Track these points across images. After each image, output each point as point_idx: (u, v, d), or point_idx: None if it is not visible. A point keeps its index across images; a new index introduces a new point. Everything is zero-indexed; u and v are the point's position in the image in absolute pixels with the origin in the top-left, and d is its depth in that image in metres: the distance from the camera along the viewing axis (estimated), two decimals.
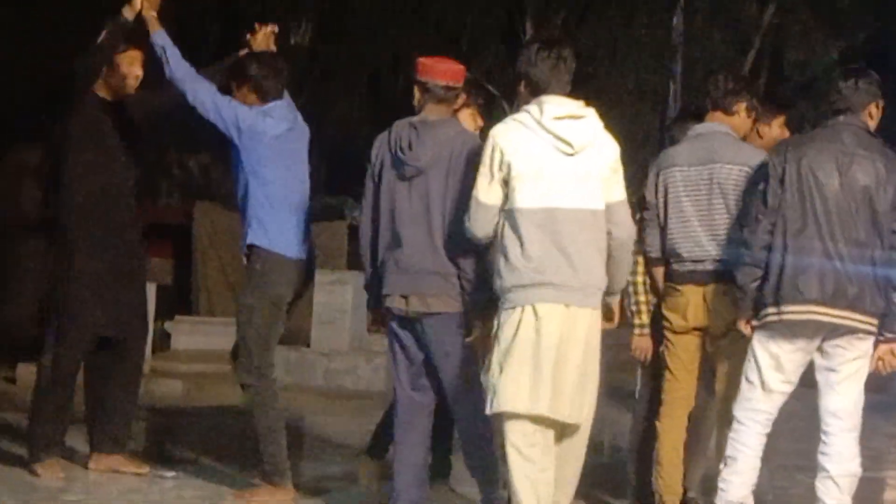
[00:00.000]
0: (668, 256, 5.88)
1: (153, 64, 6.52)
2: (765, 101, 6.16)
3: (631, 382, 8.31)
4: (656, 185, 5.89)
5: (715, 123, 5.88)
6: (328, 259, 13.31)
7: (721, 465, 5.54)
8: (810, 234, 5.36)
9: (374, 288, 5.64)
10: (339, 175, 16.55)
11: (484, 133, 5.58)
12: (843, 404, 5.43)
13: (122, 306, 6.65)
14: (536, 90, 5.23)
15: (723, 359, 5.78)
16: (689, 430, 5.88)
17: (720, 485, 5.50)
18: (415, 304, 5.47)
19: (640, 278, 6.00)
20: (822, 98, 5.65)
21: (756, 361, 5.47)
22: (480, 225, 5.22)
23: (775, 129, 6.10)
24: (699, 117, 6.03)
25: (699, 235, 5.78)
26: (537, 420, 5.13)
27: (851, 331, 5.37)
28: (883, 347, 5.42)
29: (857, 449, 5.43)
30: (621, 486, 6.42)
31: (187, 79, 6.26)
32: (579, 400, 5.16)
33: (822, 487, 5.42)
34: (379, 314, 5.71)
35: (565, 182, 5.15)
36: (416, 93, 5.58)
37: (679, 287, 5.83)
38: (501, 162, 5.16)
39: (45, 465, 6.58)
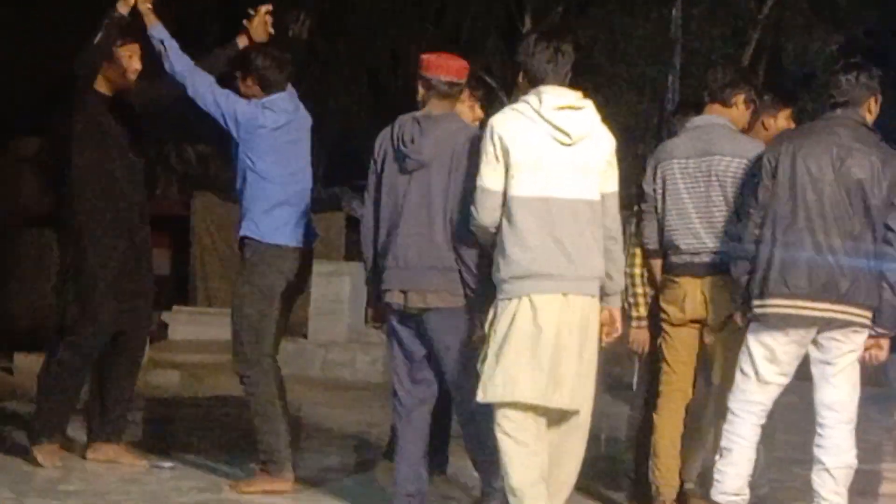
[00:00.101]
0: (665, 248, 5.89)
1: (151, 56, 6.53)
2: (772, 94, 6.16)
3: (628, 375, 8.33)
4: (654, 178, 5.89)
5: (713, 116, 5.88)
6: (326, 250, 13.31)
7: (716, 457, 5.55)
8: (801, 227, 5.37)
9: (375, 283, 5.64)
10: (338, 167, 16.58)
11: (483, 125, 5.58)
12: (838, 397, 5.44)
13: (131, 300, 6.69)
14: (534, 81, 5.27)
15: (720, 351, 5.78)
16: (686, 422, 5.89)
17: (716, 476, 5.51)
18: (414, 299, 5.47)
19: (637, 270, 6.01)
20: (822, 91, 5.65)
21: (750, 353, 5.48)
22: (488, 212, 5.23)
23: (781, 121, 6.10)
24: (698, 110, 6.03)
25: (697, 228, 5.78)
26: (530, 408, 5.17)
27: (846, 324, 5.38)
28: (870, 341, 5.44)
29: (853, 441, 5.44)
30: (619, 478, 6.43)
31: (186, 72, 6.28)
32: (578, 386, 5.20)
33: (819, 480, 5.43)
34: (380, 309, 5.71)
35: (562, 172, 5.18)
36: (420, 88, 5.59)
37: (677, 279, 5.83)
38: (501, 149, 5.19)
39: (44, 450, 6.60)
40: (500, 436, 5.19)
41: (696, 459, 6.03)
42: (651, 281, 5.99)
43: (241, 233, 6.27)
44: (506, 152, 5.18)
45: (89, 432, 6.85)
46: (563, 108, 5.20)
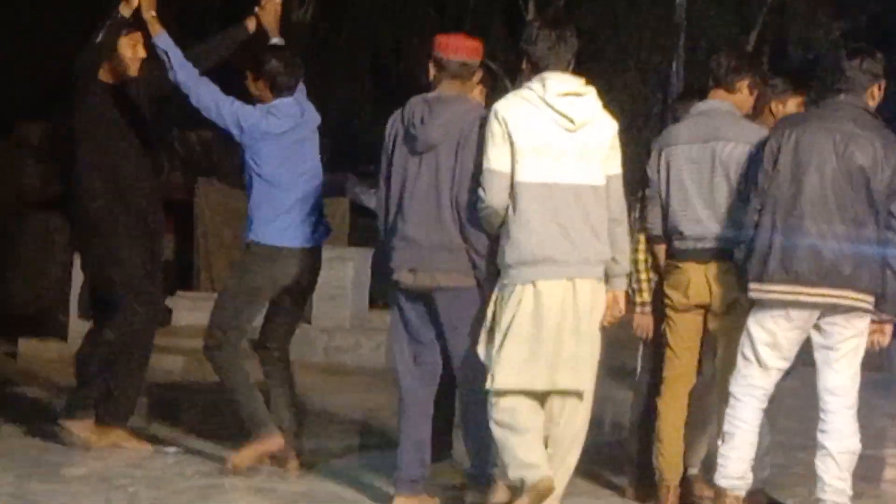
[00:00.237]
0: (669, 234, 5.88)
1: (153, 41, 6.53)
2: (784, 79, 6.12)
3: (632, 360, 8.33)
4: (658, 163, 5.89)
5: (717, 101, 5.88)
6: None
7: (719, 442, 5.55)
8: (803, 213, 5.36)
9: (384, 262, 5.66)
10: (341, 153, 16.56)
11: (488, 109, 5.59)
12: (841, 381, 5.44)
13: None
14: (538, 68, 5.34)
15: (724, 336, 5.78)
16: (690, 407, 5.89)
17: (718, 461, 5.51)
18: (422, 278, 5.49)
19: (641, 256, 6.01)
20: (825, 76, 5.63)
21: (751, 338, 5.48)
22: (496, 193, 5.26)
23: (790, 107, 6.07)
24: (702, 95, 6.02)
25: (701, 213, 5.77)
26: (529, 392, 5.27)
27: (849, 309, 5.38)
28: (873, 326, 5.47)
29: (856, 426, 5.44)
30: (622, 464, 6.43)
31: (190, 82, 6.33)
32: (582, 368, 5.28)
33: (822, 465, 5.43)
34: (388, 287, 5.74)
35: (566, 158, 5.25)
36: (432, 69, 5.60)
37: (680, 265, 5.83)
38: (506, 134, 5.24)
39: (78, 423, 6.65)
40: (496, 420, 5.28)
41: (700, 444, 6.03)
42: (655, 266, 5.99)
43: (247, 238, 6.39)
44: (510, 137, 5.23)
45: (96, 415, 6.87)
46: (566, 94, 5.28)
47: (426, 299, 5.54)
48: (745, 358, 5.51)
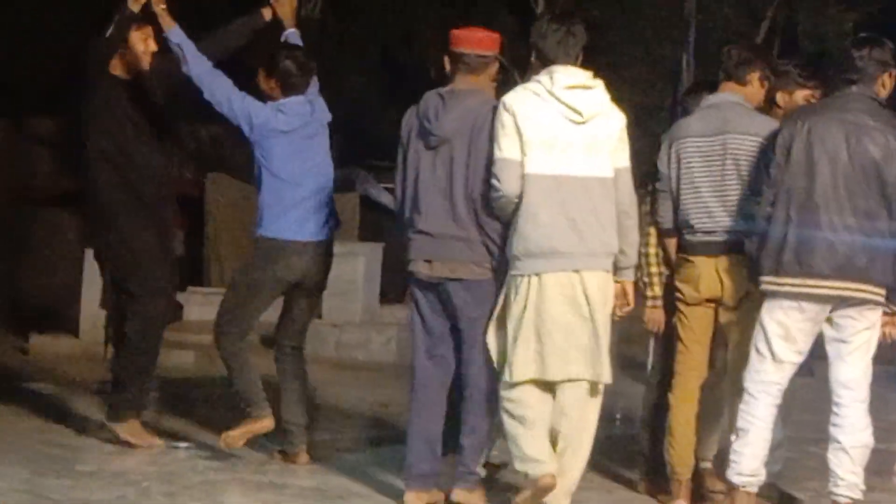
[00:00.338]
0: (680, 228, 5.87)
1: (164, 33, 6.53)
2: (801, 69, 6.02)
3: (643, 354, 8.32)
4: (669, 156, 5.88)
5: (728, 94, 5.86)
6: (339, 231, 13.29)
7: (732, 437, 5.54)
8: (816, 206, 5.35)
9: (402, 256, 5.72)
10: (350, 147, 16.55)
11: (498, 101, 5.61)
12: (854, 375, 5.43)
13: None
14: (546, 62, 5.41)
15: (735, 330, 5.77)
16: (701, 401, 5.88)
17: (731, 457, 5.50)
18: (439, 269, 5.53)
19: (652, 250, 6.00)
20: (835, 67, 5.61)
21: (765, 332, 5.46)
22: (509, 181, 5.31)
23: (798, 99, 6.00)
24: (712, 88, 6.00)
25: (712, 206, 5.76)
26: (539, 383, 5.34)
27: (861, 302, 5.37)
28: (885, 318, 5.46)
29: (868, 420, 5.43)
30: (633, 458, 6.43)
31: (204, 75, 6.36)
32: (593, 359, 5.32)
33: (835, 459, 5.42)
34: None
35: (574, 150, 5.32)
36: (447, 64, 5.61)
37: (691, 258, 5.82)
38: (515, 125, 5.30)
39: (125, 427, 6.66)
40: (507, 410, 5.34)
41: (712, 438, 6.02)
42: (666, 260, 5.99)
43: (256, 233, 6.43)
44: (519, 129, 5.29)
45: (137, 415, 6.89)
46: (574, 87, 5.35)
47: (442, 291, 5.56)
48: (758, 353, 5.49)
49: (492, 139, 5.39)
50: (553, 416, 5.39)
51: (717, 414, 5.95)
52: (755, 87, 5.88)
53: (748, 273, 5.58)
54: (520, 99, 5.35)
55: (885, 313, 5.46)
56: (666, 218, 5.92)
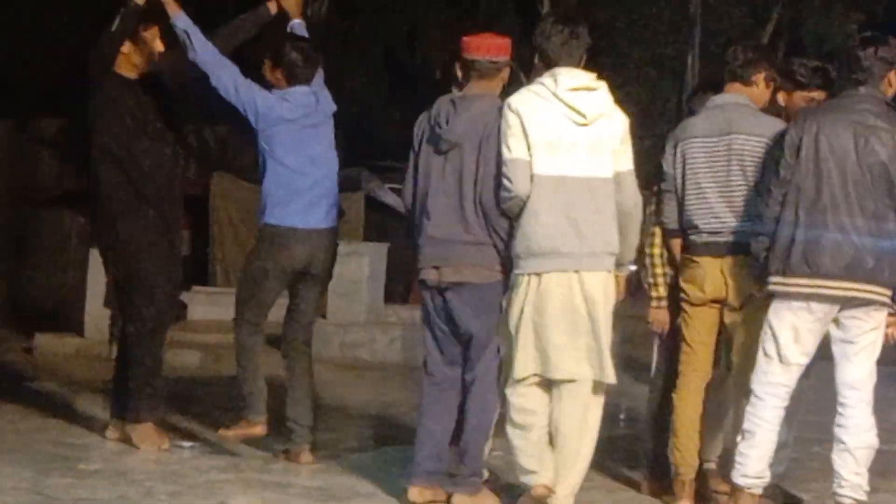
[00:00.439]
0: (685, 228, 5.87)
1: (172, 32, 6.53)
2: (812, 72, 5.98)
3: (647, 354, 8.32)
4: (674, 157, 5.87)
5: (733, 94, 5.86)
6: (344, 231, 13.28)
7: (738, 439, 5.53)
8: (824, 206, 5.34)
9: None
10: (354, 147, 16.55)
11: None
12: (860, 375, 5.42)
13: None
14: (550, 63, 5.44)
15: (740, 330, 5.77)
16: (705, 401, 5.87)
17: (737, 459, 5.49)
18: (448, 274, 5.55)
19: (657, 250, 6.00)
20: (841, 67, 5.60)
21: (774, 334, 5.45)
22: (520, 181, 5.34)
23: (797, 101, 5.99)
24: (718, 89, 6.00)
25: (717, 207, 5.76)
26: (541, 382, 5.39)
27: (868, 302, 5.37)
28: (890, 319, 5.46)
29: (873, 420, 5.42)
30: (637, 458, 6.42)
31: (210, 62, 6.38)
32: (595, 357, 5.34)
33: (840, 460, 5.41)
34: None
35: (578, 151, 5.36)
36: (459, 71, 5.64)
37: (696, 259, 5.82)
38: (521, 126, 5.34)
39: (139, 427, 6.63)
40: (508, 415, 5.39)
41: (716, 439, 6.02)
42: (671, 261, 5.98)
43: (260, 222, 6.46)
44: (525, 130, 5.33)
45: (112, 409, 6.88)
46: (577, 88, 5.39)
47: (452, 294, 5.57)
48: (766, 355, 5.48)
49: (499, 141, 5.42)
50: (554, 416, 5.40)
51: (721, 414, 5.95)
52: (760, 88, 5.87)
53: (752, 274, 5.57)
54: (524, 101, 5.39)
55: (890, 314, 5.46)
56: (671, 218, 5.92)
